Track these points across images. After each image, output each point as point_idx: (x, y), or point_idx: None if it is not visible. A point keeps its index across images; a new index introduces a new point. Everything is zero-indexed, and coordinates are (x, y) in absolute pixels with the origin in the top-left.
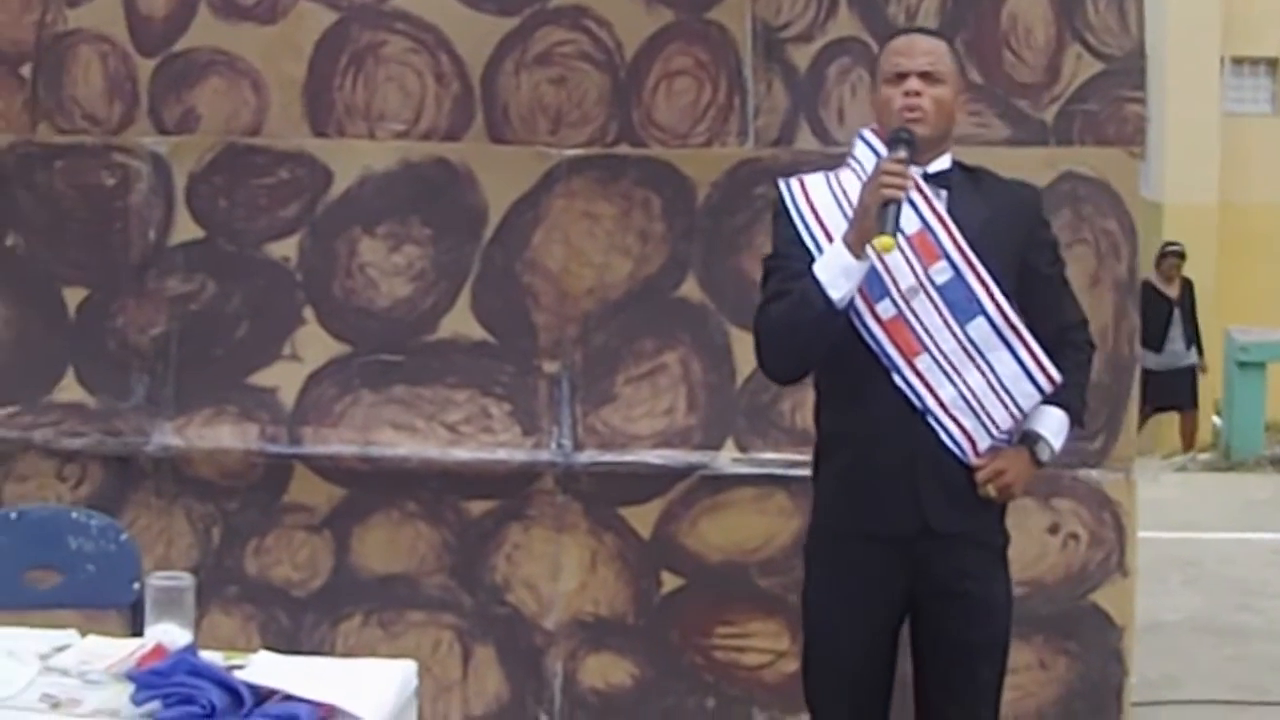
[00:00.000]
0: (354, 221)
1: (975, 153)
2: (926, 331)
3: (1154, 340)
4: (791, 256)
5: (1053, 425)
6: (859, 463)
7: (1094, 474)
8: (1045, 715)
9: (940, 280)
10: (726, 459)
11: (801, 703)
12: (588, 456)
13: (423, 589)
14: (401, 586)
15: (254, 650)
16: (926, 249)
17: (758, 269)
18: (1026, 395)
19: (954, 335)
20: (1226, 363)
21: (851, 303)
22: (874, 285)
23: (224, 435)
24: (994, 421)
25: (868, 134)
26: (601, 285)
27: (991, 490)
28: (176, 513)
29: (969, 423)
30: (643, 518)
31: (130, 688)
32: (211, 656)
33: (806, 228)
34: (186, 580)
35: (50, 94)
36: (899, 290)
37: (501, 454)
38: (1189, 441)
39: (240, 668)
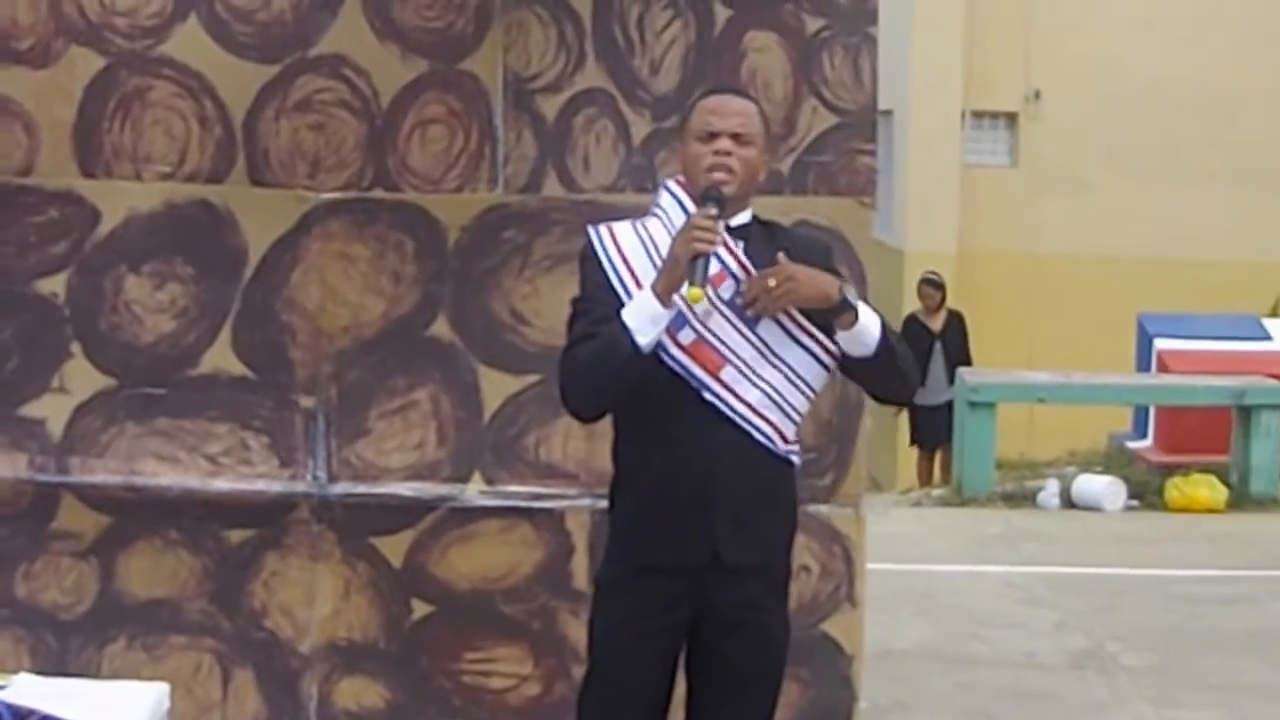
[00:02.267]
0: (120, 260)
1: None
2: (725, 345)
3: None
4: (599, 300)
5: (866, 310)
6: (655, 496)
7: (824, 509)
8: None
9: (726, 295)
10: (474, 491)
11: None
12: (342, 488)
13: (184, 614)
14: (164, 611)
15: (23, 671)
16: (718, 277)
17: (505, 310)
18: (818, 376)
19: (748, 341)
20: (958, 403)
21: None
22: (676, 317)
23: None
24: (795, 409)
25: (673, 186)
26: (356, 324)
27: (771, 281)
28: None
29: (775, 416)
30: (394, 547)
31: None
32: None
33: (616, 273)
34: None
35: None
36: (696, 317)
37: (259, 485)
38: (945, 476)
39: (2, 688)
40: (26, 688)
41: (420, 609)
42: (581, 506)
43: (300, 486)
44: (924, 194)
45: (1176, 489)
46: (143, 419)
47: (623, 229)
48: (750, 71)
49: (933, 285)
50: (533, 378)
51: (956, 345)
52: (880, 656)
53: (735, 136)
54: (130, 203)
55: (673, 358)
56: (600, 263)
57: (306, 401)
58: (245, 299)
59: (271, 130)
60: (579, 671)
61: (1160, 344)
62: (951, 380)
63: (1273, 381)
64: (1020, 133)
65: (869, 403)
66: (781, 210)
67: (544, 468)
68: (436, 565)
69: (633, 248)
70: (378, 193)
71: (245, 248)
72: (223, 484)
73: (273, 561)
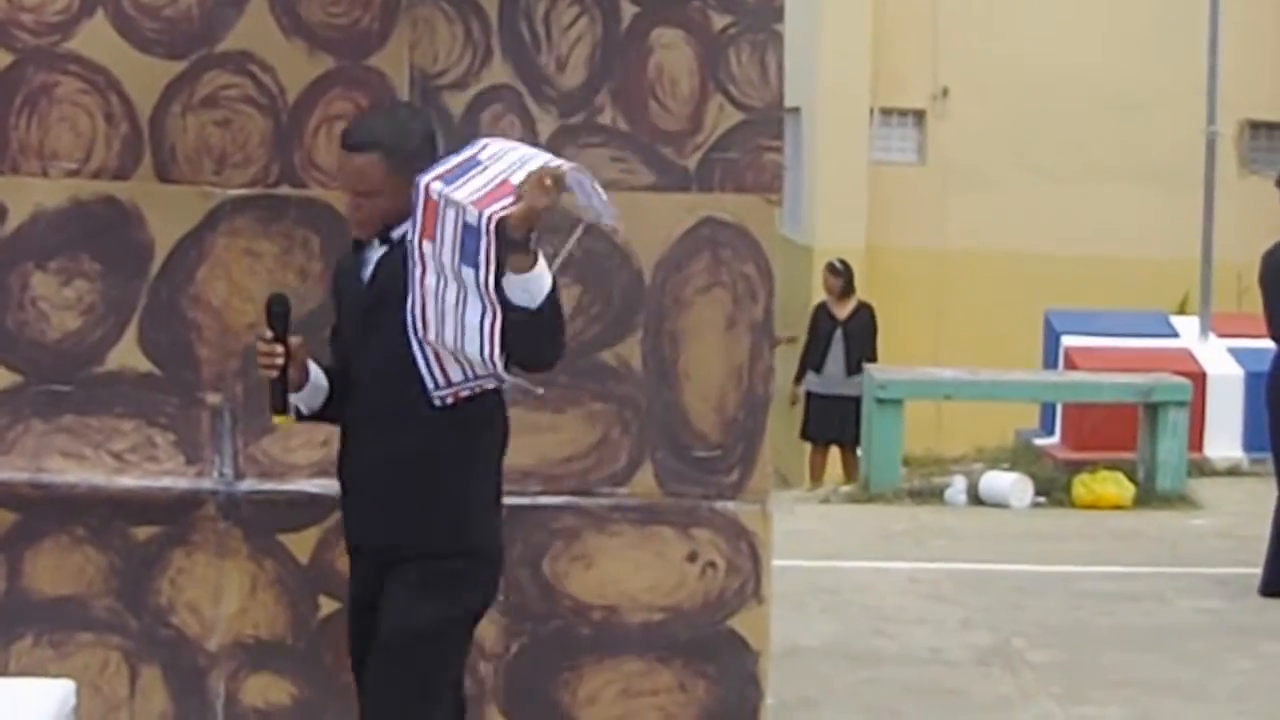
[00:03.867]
0: (27, 256)
1: (619, 198)
2: (443, 232)
3: (815, 360)
4: None
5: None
6: (342, 484)
7: (731, 505)
8: None
9: (468, 218)
10: None
11: None
12: (248, 485)
13: (91, 611)
14: (71, 608)
15: None
16: (499, 193)
17: None
18: (472, 345)
19: (453, 257)
20: (866, 400)
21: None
22: (463, 169)
23: None
24: (443, 330)
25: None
26: (262, 321)
27: (548, 181)
28: None
29: (431, 310)
30: (301, 544)
31: None
32: None
33: None
34: None
35: None
36: (453, 186)
37: (166, 482)
38: (849, 476)
39: None
40: None
41: (327, 605)
42: None
43: (207, 483)
44: (832, 191)
45: (1083, 486)
46: (49, 416)
47: None
48: (657, 68)
49: (833, 271)
50: None
51: (860, 336)
52: (787, 653)
53: (356, 193)
54: (37, 199)
55: (419, 185)
56: None
57: (213, 398)
58: (151, 296)
59: (178, 126)
60: (485, 669)
61: (1067, 341)
62: (851, 372)
63: (1179, 378)
64: (928, 130)
65: (776, 400)
66: (687, 207)
67: None
68: (343, 562)
69: None
70: (284, 189)
71: (151, 244)
72: (129, 481)
73: (179, 559)
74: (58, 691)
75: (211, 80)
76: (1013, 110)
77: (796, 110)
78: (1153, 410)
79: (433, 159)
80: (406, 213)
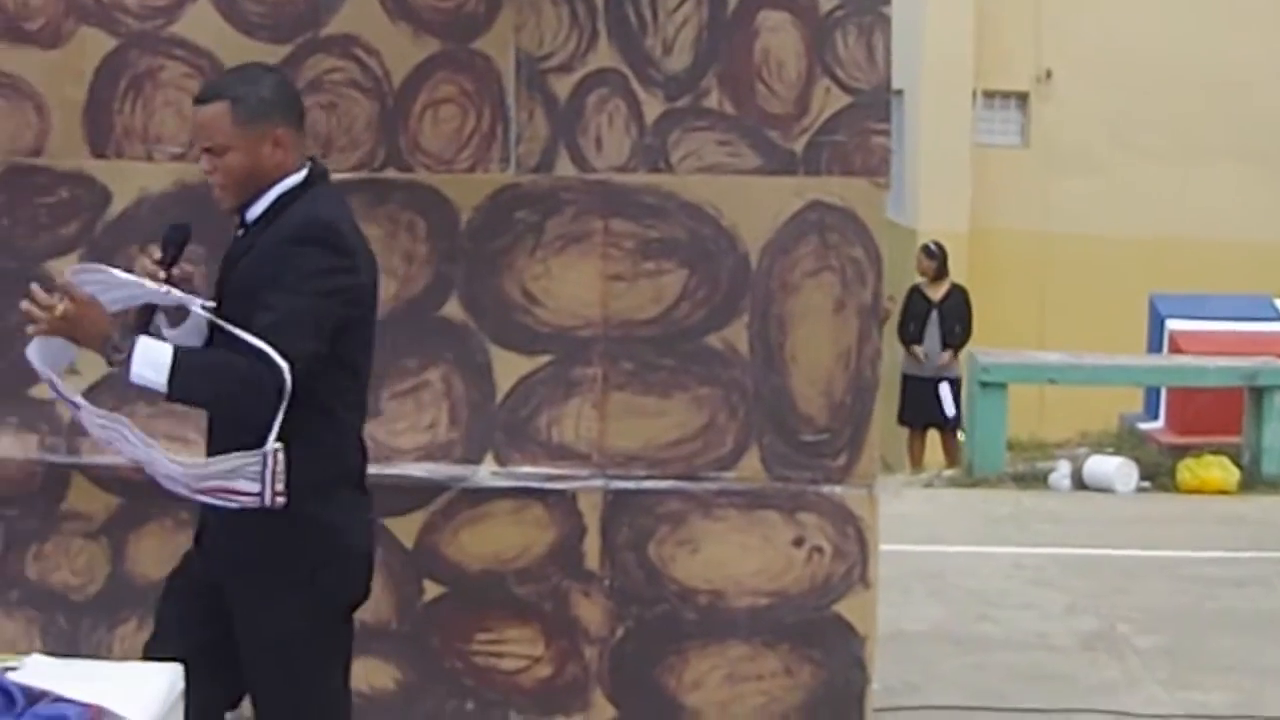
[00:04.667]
0: (131, 240)
1: (726, 181)
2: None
3: (912, 342)
4: None
5: (154, 351)
6: None
7: (838, 490)
8: None
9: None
10: (486, 472)
11: (556, 705)
12: None
13: None
14: None
15: (35, 652)
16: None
17: (518, 290)
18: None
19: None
20: (970, 383)
21: None
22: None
23: (5, 445)
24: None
25: None
26: None
27: (59, 309)
28: None
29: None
30: (406, 528)
31: None
32: None
33: None
34: None
35: None
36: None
37: None
38: (950, 460)
39: (14, 669)
40: (38, 669)
41: (432, 590)
42: (594, 487)
43: None
44: (935, 174)
45: (1188, 470)
46: (154, 399)
47: None
48: (763, 51)
49: (927, 253)
50: (545, 358)
51: (955, 317)
52: (891, 638)
53: (207, 150)
54: (141, 183)
55: None
56: None
57: None
58: None
59: None
60: (591, 653)
61: (1172, 324)
62: (944, 350)
63: None
64: (1031, 112)
65: (883, 383)
66: (795, 191)
67: (556, 448)
68: (448, 546)
69: None
70: (390, 173)
71: None
72: None
73: None
74: (167, 675)
75: (316, 64)
76: (1116, 91)
77: (900, 93)
78: (1258, 394)
79: (296, 120)
80: (263, 180)
